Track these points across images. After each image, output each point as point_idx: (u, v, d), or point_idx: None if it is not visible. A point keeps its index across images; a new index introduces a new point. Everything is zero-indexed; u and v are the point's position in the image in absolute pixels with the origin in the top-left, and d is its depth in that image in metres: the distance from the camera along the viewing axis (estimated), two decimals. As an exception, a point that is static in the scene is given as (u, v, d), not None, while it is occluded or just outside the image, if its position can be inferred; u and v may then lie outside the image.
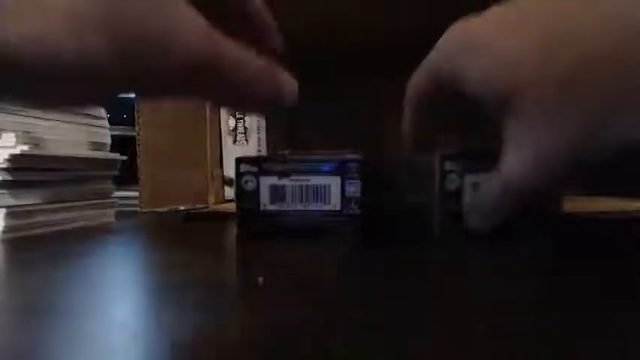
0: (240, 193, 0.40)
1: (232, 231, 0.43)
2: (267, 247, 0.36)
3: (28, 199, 0.43)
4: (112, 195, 0.55)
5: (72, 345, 0.18)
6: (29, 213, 0.43)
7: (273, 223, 0.39)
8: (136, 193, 0.60)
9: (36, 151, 0.43)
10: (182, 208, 0.59)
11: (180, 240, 0.41)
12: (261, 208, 0.40)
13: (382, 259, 0.32)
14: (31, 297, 0.24)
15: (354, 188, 0.39)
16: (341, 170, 0.39)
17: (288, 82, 0.21)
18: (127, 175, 0.59)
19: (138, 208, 0.60)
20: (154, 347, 0.18)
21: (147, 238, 0.44)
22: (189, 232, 0.45)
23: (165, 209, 0.59)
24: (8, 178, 0.41)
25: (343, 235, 0.39)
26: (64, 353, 0.17)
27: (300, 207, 0.39)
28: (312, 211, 0.39)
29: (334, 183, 0.39)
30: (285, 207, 0.40)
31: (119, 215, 0.56)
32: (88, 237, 0.44)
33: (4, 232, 0.41)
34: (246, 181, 0.40)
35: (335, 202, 0.39)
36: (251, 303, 0.23)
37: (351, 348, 0.17)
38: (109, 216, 0.54)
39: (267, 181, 0.39)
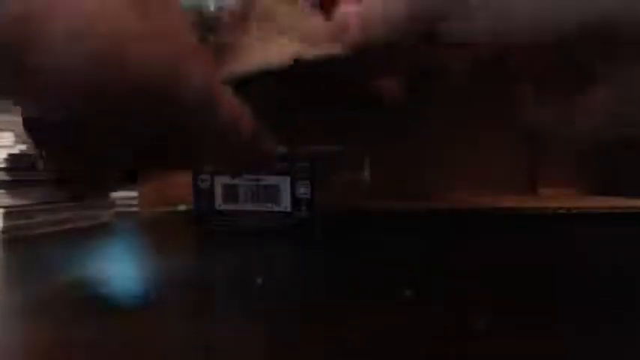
0: (197, 192, 0.39)
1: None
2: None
3: (28, 199, 0.43)
4: (112, 195, 0.55)
5: (70, 345, 0.17)
6: (28, 213, 0.43)
7: (227, 223, 0.39)
8: (136, 193, 0.60)
9: (35, 151, 0.43)
10: (182, 208, 0.59)
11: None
12: (216, 207, 0.39)
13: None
14: (30, 297, 0.24)
15: (303, 189, 0.37)
16: (290, 170, 0.37)
17: (267, 156, 0.21)
18: (127, 175, 0.58)
19: (138, 208, 0.60)
20: (151, 345, 0.17)
21: (146, 238, 0.44)
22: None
23: (165, 209, 0.59)
24: (7, 178, 0.41)
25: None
26: (64, 353, 0.17)
27: (251, 207, 0.38)
28: (264, 212, 0.38)
29: (283, 183, 0.37)
30: (238, 207, 0.38)
31: (119, 215, 0.56)
32: (87, 237, 0.43)
33: (3, 232, 0.40)
34: (202, 180, 0.39)
35: (285, 204, 0.37)
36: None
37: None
38: (108, 216, 0.54)
39: (220, 180, 0.38)
